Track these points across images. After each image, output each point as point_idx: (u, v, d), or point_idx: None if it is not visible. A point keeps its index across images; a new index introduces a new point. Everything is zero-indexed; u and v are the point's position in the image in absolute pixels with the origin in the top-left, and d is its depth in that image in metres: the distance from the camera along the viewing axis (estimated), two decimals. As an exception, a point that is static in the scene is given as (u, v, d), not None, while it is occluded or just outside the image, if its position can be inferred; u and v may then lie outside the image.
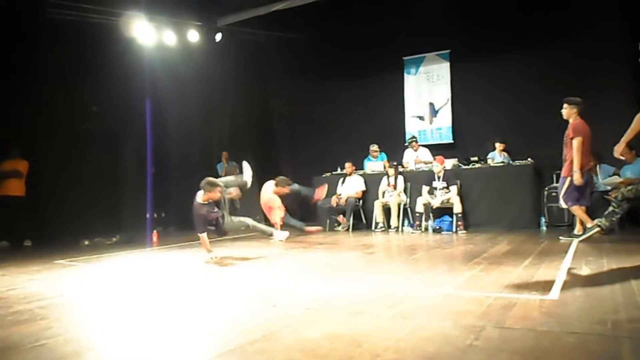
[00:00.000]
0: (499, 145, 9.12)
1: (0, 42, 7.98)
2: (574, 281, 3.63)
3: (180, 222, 10.48)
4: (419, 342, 2.34)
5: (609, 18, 8.45)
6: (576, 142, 5.93)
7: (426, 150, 9.69)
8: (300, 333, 2.56)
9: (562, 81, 8.34)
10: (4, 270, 5.23)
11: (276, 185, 8.04)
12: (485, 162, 8.85)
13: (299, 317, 2.91)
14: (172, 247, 7.19)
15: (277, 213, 7.81)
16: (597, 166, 7.69)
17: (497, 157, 9.03)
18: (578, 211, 6.14)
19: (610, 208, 6.98)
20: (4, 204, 8.01)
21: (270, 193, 8.02)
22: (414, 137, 9.92)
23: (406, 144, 10.00)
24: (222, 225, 6.14)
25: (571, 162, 5.98)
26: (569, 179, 6.00)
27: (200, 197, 5.86)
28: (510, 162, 8.68)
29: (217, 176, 10.47)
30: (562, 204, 6.31)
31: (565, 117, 6.13)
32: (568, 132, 6.04)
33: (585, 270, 4.11)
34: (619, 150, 4.68)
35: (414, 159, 9.54)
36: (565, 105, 6.12)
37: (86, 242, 7.67)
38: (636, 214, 7.13)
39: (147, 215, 8.23)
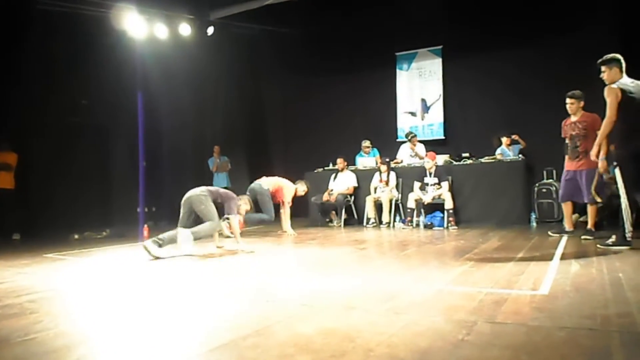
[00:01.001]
0: (505, 140, 9.07)
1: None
2: (564, 277, 3.66)
3: (171, 217, 10.42)
4: (411, 337, 2.35)
5: (603, 12, 8.47)
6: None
7: (421, 145, 9.67)
8: (294, 328, 2.56)
9: (555, 77, 8.38)
10: (-8, 264, 5.19)
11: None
12: (494, 156, 8.78)
13: (292, 312, 2.91)
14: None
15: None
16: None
17: (506, 152, 8.96)
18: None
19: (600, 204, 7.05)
20: (-7, 197, 7.95)
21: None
22: (412, 132, 9.86)
23: (405, 140, 9.91)
24: None
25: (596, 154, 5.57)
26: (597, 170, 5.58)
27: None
28: (519, 155, 8.67)
29: (207, 170, 10.49)
30: (598, 198, 5.73)
31: (572, 112, 6.01)
32: (589, 124, 5.84)
33: (575, 266, 4.14)
34: (594, 154, 5.06)
35: (409, 153, 9.53)
36: (571, 101, 6.00)
37: (76, 236, 7.63)
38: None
39: (139, 210, 8.23)
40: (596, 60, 5.02)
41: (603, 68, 4.96)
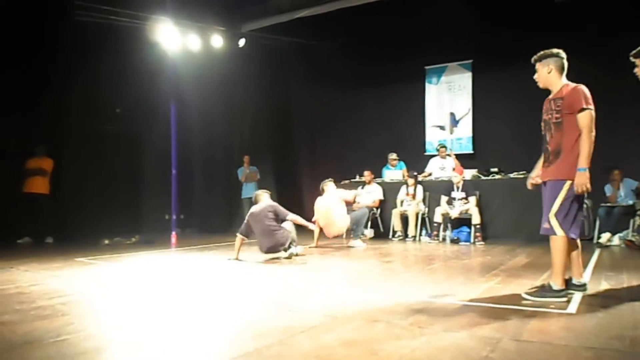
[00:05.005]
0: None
1: (29, 43, 8.20)
2: (592, 296, 3.59)
3: (200, 225, 10.59)
4: (434, 351, 2.35)
5: (636, 27, 8.29)
6: (585, 117, 3.43)
7: (452, 159, 9.52)
8: (317, 338, 2.58)
9: (590, 92, 8.21)
10: (26, 266, 5.35)
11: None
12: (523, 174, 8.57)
13: (315, 322, 2.92)
14: (191, 249, 7.25)
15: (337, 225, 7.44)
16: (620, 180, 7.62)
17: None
18: (565, 251, 3.47)
19: (638, 220, 6.86)
20: (28, 201, 8.18)
21: (335, 198, 7.62)
22: (442, 144, 9.79)
23: (435, 154, 9.83)
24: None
25: (570, 156, 3.47)
26: (567, 183, 3.46)
27: None
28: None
29: (236, 180, 10.61)
30: (548, 226, 3.51)
31: (542, 84, 3.80)
32: (565, 104, 3.54)
33: (604, 286, 4.06)
34: None
35: (439, 165, 9.45)
36: (536, 67, 3.79)
37: (106, 241, 7.78)
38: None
39: (167, 217, 8.36)
40: (630, 74, 4.48)
41: (637, 61, 3.91)
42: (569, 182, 3.44)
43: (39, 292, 3.92)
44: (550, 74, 3.66)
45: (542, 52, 3.73)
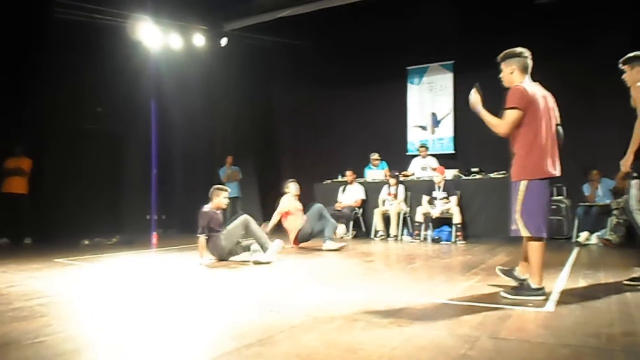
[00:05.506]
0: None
1: (7, 40, 8.06)
2: (570, 294, 3.65)
3: (181, 225, 10.51)
4: (414, 350, 2.37)
5: (619, 28, 8.39)
6: (507, 115, 3.63)
7: (433, 158, 9.62)
8: (297, 338, 2.59)
9: (569, 92, 8.29)
10: (4, 267, 5.27)
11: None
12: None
13: (296, 322, 2.93)
14: (172, 250, 7.21)
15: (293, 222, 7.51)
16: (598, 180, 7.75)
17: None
18: (539, 251, 3.50)
19: (615, 220, 6.97)
20: (6, 201, 8.05)
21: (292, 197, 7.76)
22: (424, 144, 9.89)
23: (417, 154, 9.93)
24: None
25: (519, 157, 3.64)
26: (522, 183, 3.56)
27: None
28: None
29: (219, 180, 10.55)
30: (516, 227, 3.60)
31: (506, 84, 3.86)
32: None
33: (581, 284, 4.13)
34: (627, 163, 3.98)
35: (420, 165, 9.53)
36: (501, 66, 3.86)
37: (86, 242, 7.70)
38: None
39: (148, 217, 8.30)
40: (613, 73, 4.48)
41: (625, 67, 4.04)
42: (524, 182, 3.54)
43: (17, 294, 3.87)
44: (513, 74, 3.73)
45: (505, 52, 3.78)
